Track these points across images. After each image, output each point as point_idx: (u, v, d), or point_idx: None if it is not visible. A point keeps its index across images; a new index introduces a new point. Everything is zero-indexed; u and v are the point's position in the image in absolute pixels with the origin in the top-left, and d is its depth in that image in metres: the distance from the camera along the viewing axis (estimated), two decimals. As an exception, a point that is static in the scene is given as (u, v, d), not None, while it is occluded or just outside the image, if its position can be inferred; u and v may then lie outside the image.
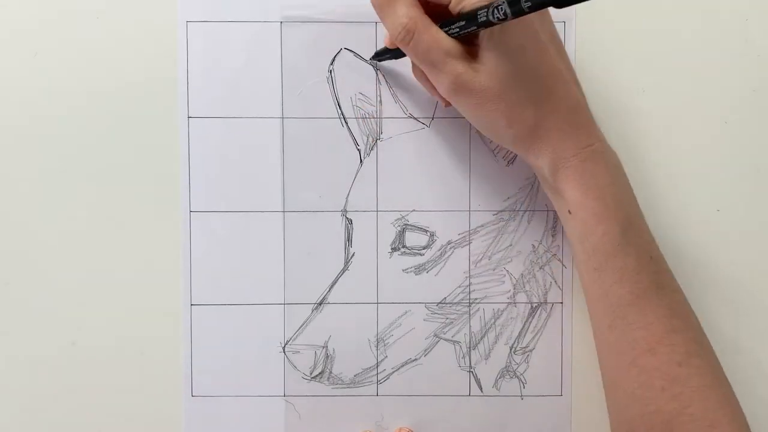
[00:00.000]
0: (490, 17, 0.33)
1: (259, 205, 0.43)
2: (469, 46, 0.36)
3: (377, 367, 0.43)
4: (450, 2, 0.36)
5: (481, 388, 0.43)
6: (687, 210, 0.43)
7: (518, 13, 0.32)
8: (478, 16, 0.34)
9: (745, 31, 0.42)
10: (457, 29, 0.35)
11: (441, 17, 0.36)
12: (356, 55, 0.42)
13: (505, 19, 0.32)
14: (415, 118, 0.43)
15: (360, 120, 0.43)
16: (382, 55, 0.41)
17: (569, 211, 0.37)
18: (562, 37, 0.42)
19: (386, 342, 0.43)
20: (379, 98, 0.43)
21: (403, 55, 0.39)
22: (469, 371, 0.43)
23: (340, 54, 0.42)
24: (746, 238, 0.43)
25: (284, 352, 0.43)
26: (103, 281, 0.43)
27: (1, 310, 0.43)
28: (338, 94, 0.42)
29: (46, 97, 0.42)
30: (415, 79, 0.41)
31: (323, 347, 0.43)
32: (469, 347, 0.43)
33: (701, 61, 0.42)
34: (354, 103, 0.42)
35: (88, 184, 0.42)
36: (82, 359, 0.43)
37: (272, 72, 0.42)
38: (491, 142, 0.43)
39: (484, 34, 0.35)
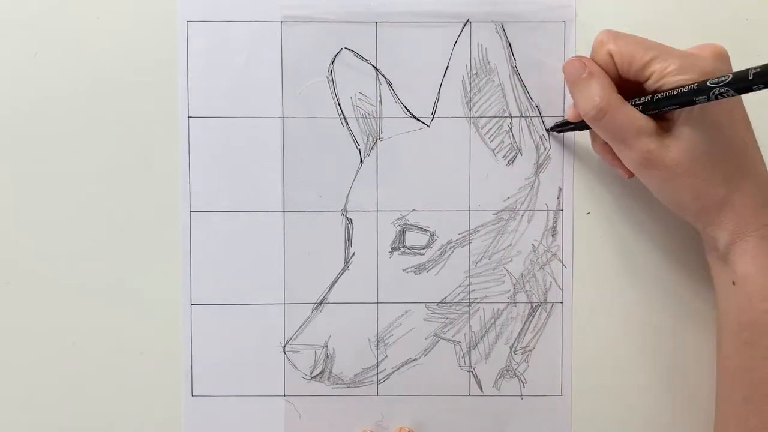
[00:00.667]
0: (699, 98, 0.33)
1: (259, 205, 0.43)
2: (660, 121, 0.36)
3: (377, 367, 0.43)
4: (646, 81, 0.36)
5: (481, 388, 0.43)
6: (687, 210, 0.43)
7: (743, 91, 0.32)
8: (681, 96, 0.34)
9: (745, 31, 0.42)
10: (654, 108, 0.36)
11: (632, 91, 0.37)
12: (356, 55, 0.42)
13: (716, 98, 0.33)
14: (415, 118, 0.43)
15: (360, 120, 0.43)
16: (563, 126, 0.42)
17: (733, 282, 0.37)
18: (562, 37, 0.42)
19: (386, 342, 0.43)
20: (379, 98, 0.43)
21: (587, 127, 0.39)
22: (469, 371, 0.43)
23: (340, 54, 0.42)
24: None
25: (284, 352, 0.43)
26: (103, 281, 0.43)
27: (1, 310, 0.43)
28: (338, 94, 0.42)
29: (46, 97, 0.42)
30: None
31: (323, 347, 0.43)
32: (469, 347, 0.43)
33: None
34: (354, 103, 0.42)
35: (88, 184, 0.42)
36: (82, 359, 0.43)
37: (272, 72, 0.42)
38: (491, 141, 0.43)
39: (682, 110, 0.35)
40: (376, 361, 0.43)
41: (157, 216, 0.43)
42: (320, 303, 0.43)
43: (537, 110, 0.42)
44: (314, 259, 0.43)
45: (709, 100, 0.33)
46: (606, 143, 0.39)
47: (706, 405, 0.42)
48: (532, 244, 0.43)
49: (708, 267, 0.40)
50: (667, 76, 0.35)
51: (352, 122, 0.43)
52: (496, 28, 0.42)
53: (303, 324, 0.43)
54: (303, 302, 0.43)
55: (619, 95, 0.37)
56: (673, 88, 0.35)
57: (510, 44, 0.42)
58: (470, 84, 0.42)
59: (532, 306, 0.43)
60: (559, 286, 0.43)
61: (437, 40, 0.42)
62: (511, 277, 0.43)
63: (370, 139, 0.43)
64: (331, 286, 0.43)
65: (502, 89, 0.42)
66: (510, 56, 0.42)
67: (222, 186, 0.43)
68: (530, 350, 0.43)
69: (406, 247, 0.43)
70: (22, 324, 0.43)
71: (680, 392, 0.43)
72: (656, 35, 0.42)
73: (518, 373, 0.43)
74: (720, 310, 0.39)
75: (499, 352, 0.43)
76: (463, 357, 0.43)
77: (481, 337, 0.43)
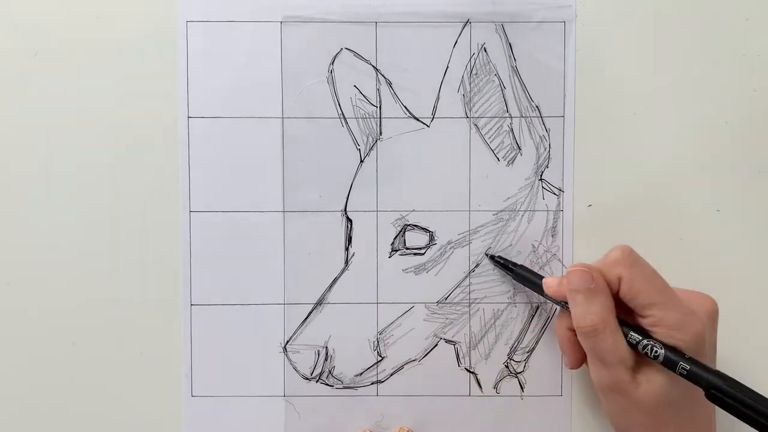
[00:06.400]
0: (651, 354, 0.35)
1: (259, 205, 0.43)
2: (639, 355, 0.36)
3: (377, 367, 0.43)
4: (641, 318, 0.36)
5: (481, 388, 0.43)
6: (687, 210, 0.43)
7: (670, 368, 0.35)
8: (645, 348, 0.36)
9: (745, 31, 0.42)
10: (635, 348, 0.36)
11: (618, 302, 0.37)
12: (356, 55, 0.42)
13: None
14: (415, 118, 0.43)
15: (360, 120, 0.43)
16: (525, 282, 0.41)
17: None
18: (562, 37, 0.42)
19: (386, 342, 0.43)
20: (379, 98, 0.43)
21: (537, 292, 0.40)
22: (469, 371, 0.43)
23: (340, 54, 0.42)
24: (746, 238, 0.43)
25: (284, 352, 0.43)
26: (103, 281, 0.43)
27: (1, 310, 0.43)
28: (338, 94, 0.42)
29: (46, 97, 0.42)
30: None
31: (323, 347, 0.43)
32: (469, 347, 0.43)
33: (701, 60, 0.42)
34: (354, 103, 0.42)
35: (88, 184, 0.42)
36: (82, 359, 0.43)
37: (272, 72, 0.42)
38: (491, 141, 0.43)
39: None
40: (375, 362, 0.43)
41: (157, 216, 0.43)
42: (320, 303, 0.43)
43: (537, 110, 0.42)
44: (314, 259, 0.43)
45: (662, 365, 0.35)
46: (570, 330, 0.39)
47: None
48: (532, 245, 0.43)
49: None
50: (661, 326, 0.35)
51: (352, 122, 0.43)
52: (496, 28, 0.42)
53: (303, 324, 0.43)
54: (303, 302, 0.43)
55: (615, 321, 0.36)
56: (653, 342, 0.36)
57: (510, 44, 0.42)
58: (470, 84, 0.42)
59: (532, 306, 0.43)
60: (559, 287, 0.43)
61: (437, 40, 0.42)
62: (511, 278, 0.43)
63: (370, 139, 0.43)
64: (331, 286, 0.43)
65: (502, 89, 0.42)
66: (510, 56, 0.42)
67: (222, 186, 0.43)
68: (530, 351, 0.43)
69: (406, 248, 0.43)
70: (22, 324, 0.43)
71: (680, 392, 0.43)
72: (656, 35, 0.42)
73: (518, 374, 0.43)
74: None
75: (499, 352, 0.43)
76: (463, 357, 0.43)
77: (481, 338, 0.43)
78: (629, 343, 0.36)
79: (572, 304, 0.37)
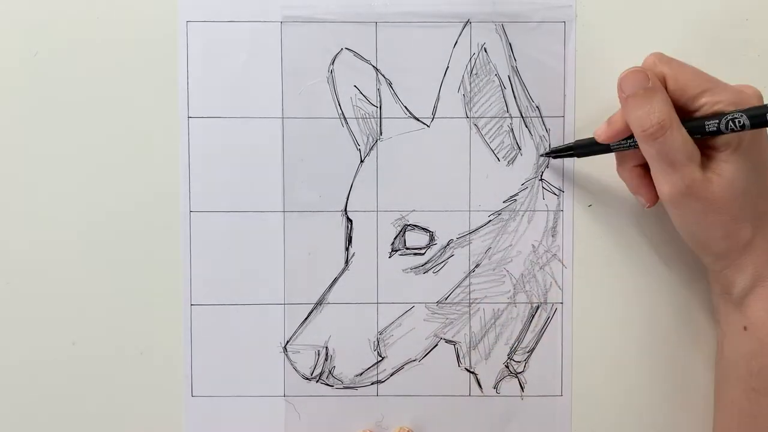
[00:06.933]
0: (736, 126, 0.35)
1: (259, 205, 0.43)
2: (704, 152, 0.36)
3: (377, 367, 0.43)
4: (695, 111, 0.36)
5: (481, 389, 0.43)
6: (687, 210, 0.43)
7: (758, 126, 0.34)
8: (728, 123, 0.35)
9: (745, 31, 0.42)
10: (702, 133, 0.36)
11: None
12: (356, 55, 0.42)
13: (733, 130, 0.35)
14: (415, 118, 0.43)
15: (360, 120, 0.43)
16: (560, 152, 0.41)
17: (745, 327, 0.37)
18: (562, 37, 0.42)
19: (386, 342, 0.43)
20: (379, 98, 0.43)
21: (594, 153, 0.40)
22: (469, 371, 0.43)
23: (340, 54, 0.42)
24: (746, 238, 0.43)
25: (284, 352, 0.43)
26: (103, 281, 0.43)
27: (1, 310, 0.43)
28: (338, 94, 0.42)
29: (46, 96, 0.42)
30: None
31: (323, 347, 0.43)
32: (469, 347, 0.43)
33: (701, 60, 0.42)
34: (354, 103, 0.42)
35: (88, 184, 0.42)
36: (82, 359, 0.43)
37: (272, 72, 0.42)
38: (491, 141, 0.43)
39: (728, 146, 0.36)
40: (375, 362, 0.43)
41: (157, 216, 0.43)
42: (320, 303, 0.43)
43: (537, 110, 0.42)
44: (314, 259, 0.43)
45: (732, 130, 0.35)
46: (636, 167, 0.39)
47: (705, 405, 0.42)
48: (532, 245, 0.43)
49: (714, 309, 0.40)
50: (719, 107, 0.35)
51: (352, 122, 0.43)
52: (496, 28, 0.42)
53: (303, 324, 0.43)
54: (303, 302, 0.43)
55: (677, 116, 0.36)
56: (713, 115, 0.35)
57: (510, 44, 0.42)
58: (470, 84, 0.42)
59: (532, 306, 0.43)
60: (559, 287, 0.43)
61: (437, 40, 0.42)
62: (511, 278, 0.43)
63: (370, 139, 0.43)
64: (331, 286, 0.43)
65: (502, 89, 0.42)
66: (510, 56, 0.42)
67: (222, 186, 0.43)
68: (530, 351, 0.43)
69: (406, 248, 0.43)
70: (22, 324, 0.43)
71: (680, 392, 0.43)
72: (656, 35, 0.42)
73: (518, 374, 0.43)
74: (725, 355, 0.39)
75: (499, 352, 0.43)
76: (463, 357, 0.43)
77: (481, 338, 0.43)
78: (702, 134, 0.36)
79: (633, 108, 0.36)
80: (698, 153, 0.36)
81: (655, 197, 0.38)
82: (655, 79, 0.36)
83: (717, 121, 0.35)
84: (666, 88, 0.36)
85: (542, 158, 0.42)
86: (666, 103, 0.36)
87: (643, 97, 0.36)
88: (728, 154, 0.36)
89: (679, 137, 0.35)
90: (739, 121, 0.35)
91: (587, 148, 0.40)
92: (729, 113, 0.35)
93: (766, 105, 0.35)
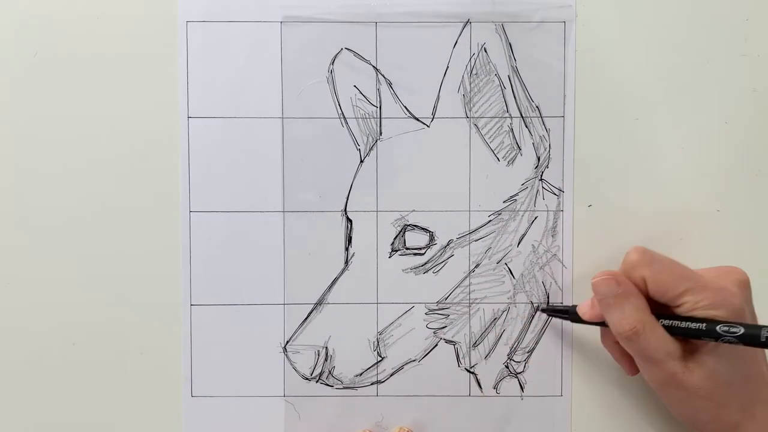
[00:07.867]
0: (729, 338, 0.35)
1: (259, 205, 0.43)
2: (684, 343, 0.37)
3: (377, 367, 0.43)
4: (677, 308, 0.36)
5: (481, 388, 0.43)
6: (687, 210, 0.43)
7: (751, 345, 0.34)
8: (718, 336, 0.35)
9: (745, 31, 0.42)
10: (681, 334, 0.36)
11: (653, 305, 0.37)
12: (356, 55, 0.42)
13: (725, 342, 0.35)
14: (415, 118, 0.43)
15: (360, 120, 0.43)
16: (557, 312, 0.42)
17: None
18: (562, 37, 0.42)
19: (386, 342, 0.43)
20: (378, 98, 0.43)
21: (597, 324, 0.39)
22: (469, 371, 0.43)
23: (340, 54, 0.42)
24: (746, 238, 0.43)
25: (284, 352, 0.43)
26: (103, 281, 0.43)
27: (1, 310, 0.43)
28: (338, 94, 0.42)
29: (46, 97, 0.42)
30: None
31: (323, 347, 0.43)
32: (469, 347, 0.43)
33: (701, 60, 0.42)
34: (354, 103, 0.42)
35: (88, 184, 0.42)
36: (82, 359, 0.43)
37: (272, 72, 0.42)
38: (491, 141, 0.43)
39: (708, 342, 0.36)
40: (375, 362, 0.43)
41: (157, 216, 0.43)
42: (320, 303, 0.43)
43: (537, 110, 0.42)
44: (314, 259, 0.43)
45: (717, 341, 0.35)
46: (617, 342, 0.39)
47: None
48: (532, 245, 0.43)
49: None
50: (698, 309, 0.36)
51: (351, 122, 0.43)
52: (496, 28, 0.42)
53: (303, 324, 0.43)
54: (303, 302, 0.43)
55: (652, 316, 0.36)
56: (697, 320, 0.35)
57: (510, 44, 0.42)
58: (470, 84, 0.42)
59: (532, 306, 0.43)
60: (559, 287, 0.43)
61: (437, 40, 0.42)
62: (511, 278, 0.43)
63: (370, 139, 0.43)
64: (331, 286, 0.43)
65: (502, 89, 0.42)
66: (510, 56, 0.42)
67: (222, 186, 0.43)
68: (530, 351, 0.43)
69: (406, 248, 0.43)
70: (22, 324, 0.43)
71: (680, 393, 0.43)
72: (656, 35, 0.42)
73: (518, 374, 0.43)
74: None
75: (499, 352, 0.43)
76: (463, 357, 0.43)
77: (481, 338, 0.43)
78: (686, 336, 0.36)
79: (606, 313, 0.37)
80: (678, 347, 0.36)
81: (636, 369, 0.39)
82: (626, 284, 0.37)
83: (701, 327, 0.35)
84: (646, 288, 0.37)
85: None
86: (638, 309, 0.36)
87: (614, 304, 0.37)
88: (711, 347, 0.36)
89: (653, 338, 0.36)
90: (734, 332, 0.35)
91: (578, 316, 0.40)
92: (722, 334, 0.35)
93: (756, 325, 0.35)
